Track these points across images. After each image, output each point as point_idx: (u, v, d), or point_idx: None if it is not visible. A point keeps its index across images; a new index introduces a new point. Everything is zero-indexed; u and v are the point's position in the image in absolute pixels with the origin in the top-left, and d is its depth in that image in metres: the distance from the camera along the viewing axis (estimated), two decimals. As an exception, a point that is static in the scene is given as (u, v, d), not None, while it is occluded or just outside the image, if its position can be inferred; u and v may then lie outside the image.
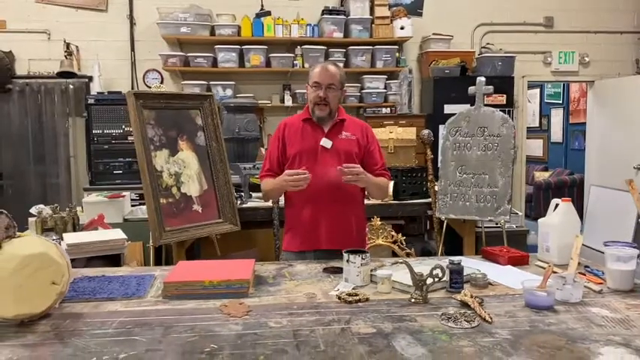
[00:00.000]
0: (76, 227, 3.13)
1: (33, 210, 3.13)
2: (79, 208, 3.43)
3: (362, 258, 1.89)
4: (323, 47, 5.12)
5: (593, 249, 3.03)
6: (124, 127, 4.68)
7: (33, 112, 5.04)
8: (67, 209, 3.14)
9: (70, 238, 2.65)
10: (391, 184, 3.59)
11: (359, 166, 2.32)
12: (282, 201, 2.69)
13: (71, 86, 5.07)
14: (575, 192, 7.32)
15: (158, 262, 3.33)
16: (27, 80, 5.03)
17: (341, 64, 5.14)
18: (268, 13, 5.10)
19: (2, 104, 5.00)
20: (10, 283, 1.50)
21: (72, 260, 2.30)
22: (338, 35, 5.12)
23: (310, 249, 2.42)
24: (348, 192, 2.42)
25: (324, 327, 1.49)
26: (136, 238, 3.28)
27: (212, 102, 3.27)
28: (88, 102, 4.74)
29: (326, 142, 2.41)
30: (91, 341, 1.40)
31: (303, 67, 5.08)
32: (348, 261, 1.91)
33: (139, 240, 3.33)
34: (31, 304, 1.52)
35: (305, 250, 2.43)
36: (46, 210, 3.04)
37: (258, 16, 5.09)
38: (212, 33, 5.06)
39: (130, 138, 4.45)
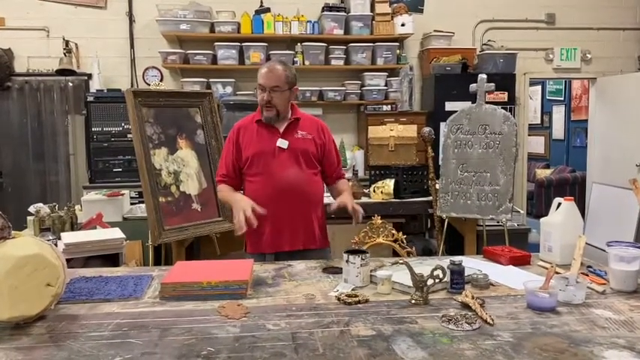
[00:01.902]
0: (75, 226, 3.12)
1: (31, 209, 3.12)
2: (77, 207, 3.42)
3: (362, 258, 1.86)
4: (323, 44, 5.09)
5: (595, 247, 3.01)
6: (123, 124, 4.65)
7: (32, 109, 5.01)
8: (66, 208, 3.13)
9: (68, 237, 2.63)
10: (392, 182, 3.58)
11: (359, 208, 2.35)
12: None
13: (70, 84, 5.04)
14: (576, 189, 7.29)
15: (157, 261, 3.31)
16: (26, 78, 5.00)
17: (341, 62, 5.14)
18: (268, 10, 5.07)
19: (1, 102, 4.97)
20: (5, 284, 1.48)
21: (70, 260, 2.29)
22: (338, 32, 5.09)
23: (273, 251, 2.40)
24: (307, 192, 2.42)
25: (323, 329, 1.47)
26: (135, 237, 3.26)
27: (211, 100, 3.25)
28: (88, 99, 4.72)
29: (282, 143, 2.39)
30: (86, 344, 1.39)
31: (304, 64, 5.05)
32: (347, 261, 1.88)
33: (138, 239, 3.30)
34: (26, 306, 1.50)
35: (268, 252, 2.41)
36: (44, 209, 3.03)
37: (258, 12, 5.06)
38: (212, 30, 5.03)
39: (129, 136, 4.42)
